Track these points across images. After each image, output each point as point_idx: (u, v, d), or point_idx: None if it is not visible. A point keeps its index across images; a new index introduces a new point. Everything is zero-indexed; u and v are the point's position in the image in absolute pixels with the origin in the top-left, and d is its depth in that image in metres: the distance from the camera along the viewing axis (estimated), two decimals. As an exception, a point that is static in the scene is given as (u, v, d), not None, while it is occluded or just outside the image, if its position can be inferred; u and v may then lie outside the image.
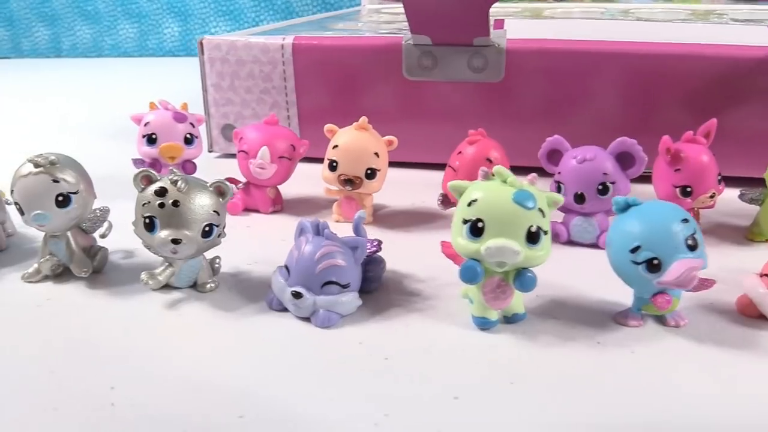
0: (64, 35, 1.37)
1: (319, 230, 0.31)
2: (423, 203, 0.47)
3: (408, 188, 0.48)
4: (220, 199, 0.32)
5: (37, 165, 0.33)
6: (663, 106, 0.48)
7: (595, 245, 0.39)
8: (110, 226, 0.37)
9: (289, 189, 0.46)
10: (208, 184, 0.32)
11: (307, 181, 0.47)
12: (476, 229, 0.28)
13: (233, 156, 0.58)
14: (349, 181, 0.40)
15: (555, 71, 0.49)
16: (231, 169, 0.47)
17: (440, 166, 0.53)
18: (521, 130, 0.50)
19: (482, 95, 0.50)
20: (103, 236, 0.37)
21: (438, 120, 0.52)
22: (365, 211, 0.42)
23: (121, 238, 0.38)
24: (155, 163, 0.45)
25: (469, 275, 0.29)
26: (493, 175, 0.29)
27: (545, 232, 0.29)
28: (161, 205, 0.31)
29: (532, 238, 0.28)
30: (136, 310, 0.32)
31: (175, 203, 0.31)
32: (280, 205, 0.46)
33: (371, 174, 0.40)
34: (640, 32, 0.55)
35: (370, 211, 0.42)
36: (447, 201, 0.41)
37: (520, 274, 0.29)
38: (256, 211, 0.45)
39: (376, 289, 0.34)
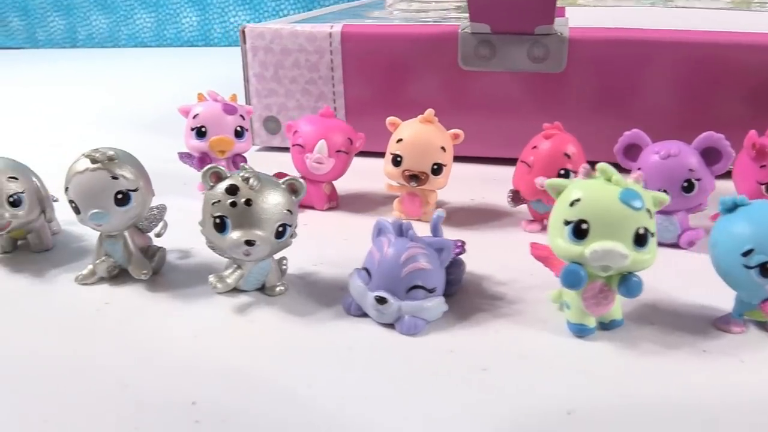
0: (79, 25, 1.34)
1: (402, 231, 0.29)
2: (483, 199, 0.45)
3: (465, 183, 0.46)
4: (293, 197, 0.30)
5: (94, 161, 0.31)
6: (729, 99, 0.46)
7: (675, 245, 0.37)
8: (166, 225, 0.35)
9: (341, 185, 0.44)
10: (280, 181, 0.30)
11: (358, 176, 0.45)
12: (580, 231, 0.26)
13: (276, 149, 0.56)
14: (415, 177, 0.38)
15: (617, 61, 0.47)
16: (275, 162, 0.45)
17: (495, 161, 0.51)
18: (580, 123, 0.47)
19: (539, 86, 0.48)
20: (158, 235, 0.35)
21: (492, 112, 0.50)
22: (430, 208, 0.40)
23: (175, 237, 0.36)
24: (205, 157, 0.42)
25: (572, 280, 0.27)
26: (595, 172, 0.27)
27: (652, 234, 0.27)
28: (233, 204, 0.29)
29: (640, 240, 0.26)
30: (204, 315, 0.30)
31: (248, 202, 0.29)
32: (335, 202, 0.43)
33: (437, 169, 0.38)
34: (703, 21, 0.53)
35: (433, 209, 0.40)
36: (517, 198, 0.39)
37: (626, 279, 0.27)
38: (311, 207, 0.43)
39: (456, 292, 0.32)
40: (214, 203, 0.29)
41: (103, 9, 1.33)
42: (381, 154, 0.50)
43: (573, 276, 0.27)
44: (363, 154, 0.46)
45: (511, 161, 0.50)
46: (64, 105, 0.81)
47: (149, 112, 0.75)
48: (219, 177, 0.30)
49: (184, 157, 0.44)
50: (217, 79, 0.93)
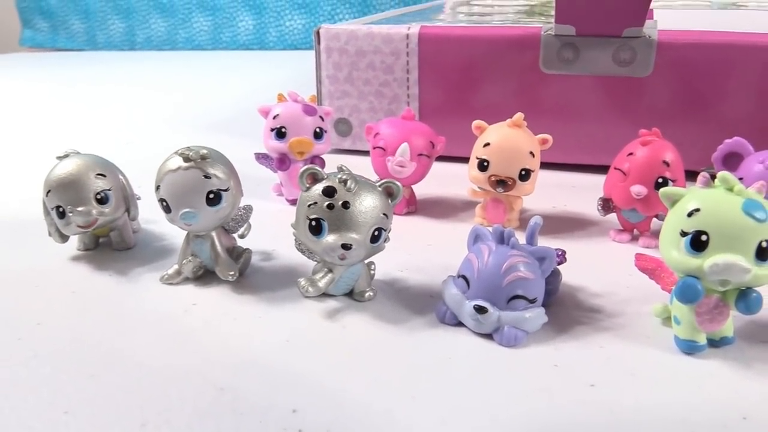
0: (138, 28, 1.37)
1: (503, 238, 0.28)
2: (565, 207, 0.43)
3: (545, 191, 0.45)
4: (389, 201, 0.30)
5: (187, 159, 0.31)
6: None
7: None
8: (249, 227, 0.35)
9: (418, 189, 0.44)
10: (377, 184, 0.30)
11: (434, 180, 0.44)
12: (699, 243, 0.25)
13: (346, 152, 0.55)
14: (502, 183, 0.37)
15: (704, 65, 0.45)
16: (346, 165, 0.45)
17: (573, 167, 0.50)
18: (663, 130, 0.46)
19: (622, 91, 0.46)
20: (242, 236, 0.35)
21: (571, 117, 0.48)
22: (515, 214, 0.39)
23: (255, 239, 0.35)
24: (284, 158, 0.42)
25: (689, 294, 0.25)
26: (714, 179, 0.26)
27: (775, 248, 0.25)
28: (330, 207, 0.28)
29: (762, 254, 0.25)
30: (294, 319, 0.30)
31: (345, 205, 0.28)
32: (414, 206, 0.43)
33: (525, 175, 0.37)
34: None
35: (517, 215, 0.39)
36: (608, 206, 0.37)
37: (745, 294, 0.25)
38: (389, 211, 0.42)
39: (552, 303, 0.31)
40: (310, 205, 0.29)
41: (161, 12, 1.35)
42: (455, 159, 0.49)
43: (691, 290, 0.25)
44: (437, 158, 0.45)
45: (589, 168, 0.49)
46: (127, 106, 0.82)
47: (211, 113, 0.76)
48: (315, 178, 0.29)
49: (261, 158, 0.44)
50: (274, 82, 0.93)
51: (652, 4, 0.68)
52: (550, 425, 0.23)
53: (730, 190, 0.25)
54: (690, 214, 0.25)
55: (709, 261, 0.24)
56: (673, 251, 0.26)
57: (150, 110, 0.79)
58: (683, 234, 0.25)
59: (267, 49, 1.30)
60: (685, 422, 0.23)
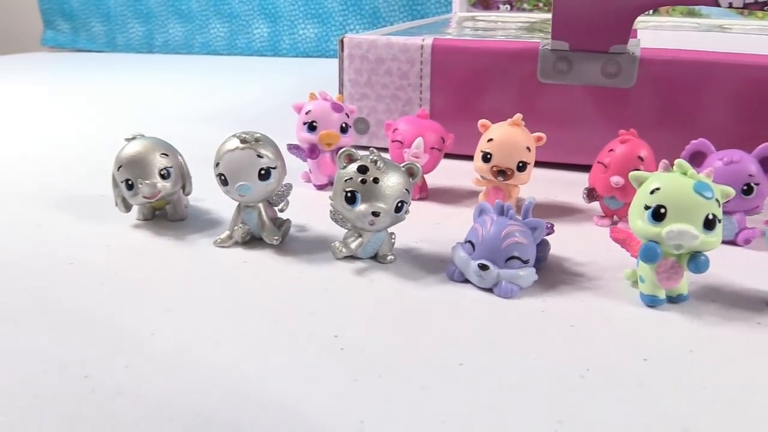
0: (157, 32, 1.43)
1: (503, 211, 0.34)
2: (556, 198, 0.50)
3: (538, 184, 0.51)
4: (410, 179, 0.36)
5: (243, 141, 0.37)
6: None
7: (732, 242, 0.42)
8: (288, 202, 0.41)
9: (429, 179, 0.50)
10: (401, 166, 0.36)
11: (443, 173, 0.51)
12: (658, 215, 0.31)
13: (363, 148, 0.62)
14: (502, 173, 0.43)
15: (682, 79, 0.51)
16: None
17: (564, 166, 0.56)
18: (644, 135, 0.52)
19: (609, 100, 0.53)
20: (281, 210, 0.41)
21: (564, 122, 0.55)
22: (512, 201, 0.45)
23: (290, 216, 0.42)
24: (314, 148, 0.48)
25: (650, 255, 0.32)
26: (672, 167, 0.32)
27: (719, 220, 0.31)
28: (363, 182, 0.35)
29: (709, 224, 0.31)
30: (329, 275, 0.36)
31: (375, 180, 0.35)
32: (425, 193, 0.49)
33: (522, 167, 0.43)
34: (761, 46, 0.58)
35: (514, 202, 0.45)
36: (592, 195, 0.44)
37: (695, 257, 0.32)
38: (404, 197, 0.48)
39: (542, 268, 0.37)
40: (346, 180, 0.35)
41: (180, 18, 1.42)
42: (461, 156, 0.56)
43: (651, 252, 0.32)
44: (446, 155, 0.51)
45: (579, 167, 0.56)
46: (148, 104, 0.89)
47: (230, 113, 0.82)
48: (351, 158, 0.36)
49: (293, 148, 0.50)
50: (288, 86, 1.00)
51: (643, 25, 0.75)
52: (537, 351, 0.29)
53: (685, 174, 0.32)
54: (652, 192, 0.32)
55: (666, 229, 0.31)
56: (638, 221, 0.32)
57: (170, 109, 0.85)
58: (646, 207, 0.32)
59: (280, 55, 1.37)
60: (645, 353, 0.29)
